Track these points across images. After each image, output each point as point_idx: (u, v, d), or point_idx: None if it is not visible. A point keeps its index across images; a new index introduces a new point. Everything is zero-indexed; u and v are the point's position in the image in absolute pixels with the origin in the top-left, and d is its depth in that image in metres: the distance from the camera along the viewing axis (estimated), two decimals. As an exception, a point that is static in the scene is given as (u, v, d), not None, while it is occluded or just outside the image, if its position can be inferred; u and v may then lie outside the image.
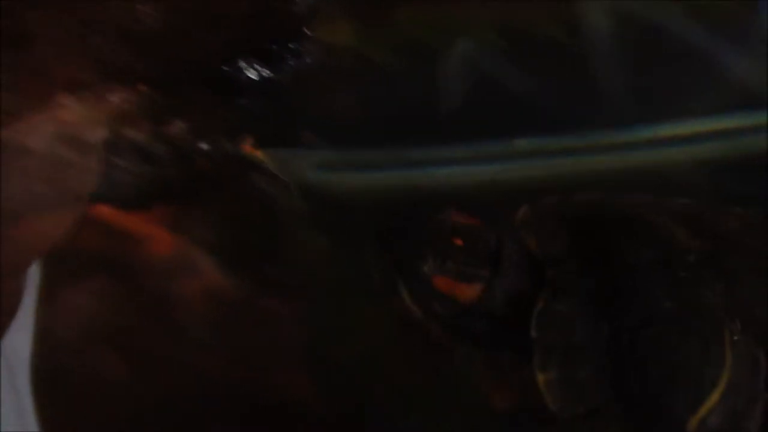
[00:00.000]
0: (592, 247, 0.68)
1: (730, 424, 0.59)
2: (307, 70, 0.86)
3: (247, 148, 0.80)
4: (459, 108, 0.87)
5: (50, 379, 0.69)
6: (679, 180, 0.82)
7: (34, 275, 0.71)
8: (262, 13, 0.84)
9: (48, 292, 0.71)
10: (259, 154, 0.81)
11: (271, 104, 0.85)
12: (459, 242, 0.68)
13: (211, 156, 0.79)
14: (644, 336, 0.61)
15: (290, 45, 0.85)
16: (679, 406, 0.59)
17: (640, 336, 0.62)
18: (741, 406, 0.60)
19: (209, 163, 0.79)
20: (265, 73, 0.84)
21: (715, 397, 0.59)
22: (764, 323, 0.62)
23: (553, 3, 0.91)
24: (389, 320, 0.73)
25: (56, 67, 0.76)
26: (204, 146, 0.79)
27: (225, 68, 0.83)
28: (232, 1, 0.83)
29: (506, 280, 0.68)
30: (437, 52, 0.88)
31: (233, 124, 0.81)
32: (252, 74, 0.84)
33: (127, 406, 0.68)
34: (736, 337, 0.61)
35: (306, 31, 0.86)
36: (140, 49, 0.78)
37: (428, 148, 0.84)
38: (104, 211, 0.75)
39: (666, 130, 0.85)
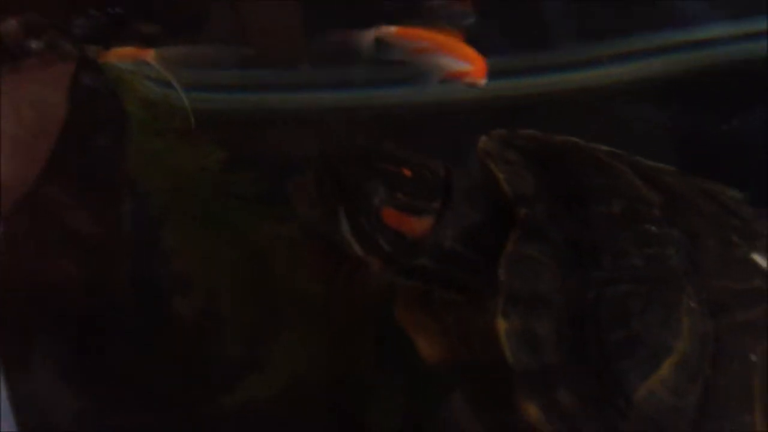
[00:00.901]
0: (560, 191, 0.63)
1: (674, 398, 0.55)
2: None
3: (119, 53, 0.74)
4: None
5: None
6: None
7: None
8: None
9: None
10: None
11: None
12: (408, 173, 0.64)
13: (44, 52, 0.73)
14: (610, 295, 0.57)
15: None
16: (632, 373, 0.55)
17: (606, 294, 0.57)
18: (686, 380, 0.55)
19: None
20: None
21: (666, 367, 0.55)
22: (718, 294, 0.59)
23: None
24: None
25: None
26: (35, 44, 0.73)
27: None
28: None
29: (457, 214, 0.64)
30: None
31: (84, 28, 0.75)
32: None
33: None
34: (692, 305, 0.57)
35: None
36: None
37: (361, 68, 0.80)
38: None
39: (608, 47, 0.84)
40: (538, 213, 0.61)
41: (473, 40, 0.72)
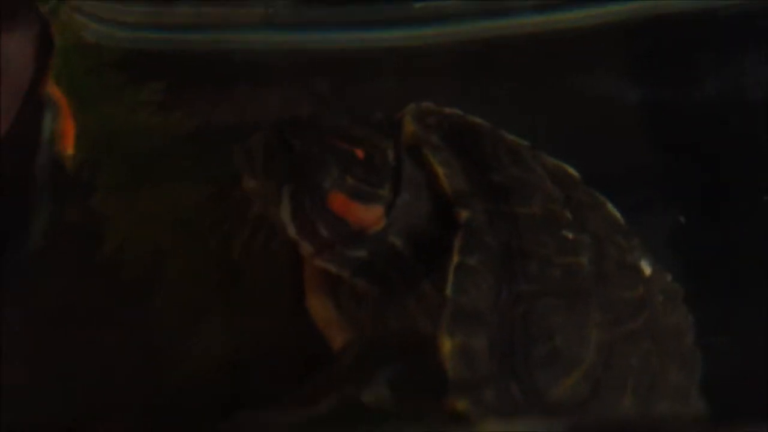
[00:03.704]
0: (486, 184, 0.64)
1: (573, 396, 0.61)
2: None
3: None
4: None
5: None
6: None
7: None
8: None
9: None
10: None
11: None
12: (360, 155, 0.61)
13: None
14: (537, 310, 0.60)
15: None
16: (549, 381, 0.60)
17: (534, 309, 0.60)
18: (585, 382, 0.61)
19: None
20: None
21: (575, 376, 0.61)
22: (614, 305, 0.64)
23: None
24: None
25: None
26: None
27: None
28: None
29: (403, 207, 0.62)
30: None
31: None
32: None
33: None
34: (598, 318, 0.62)
35: None
36: None
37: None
38: None
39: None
40: (478, 215, 0.61)
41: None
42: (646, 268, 0.69)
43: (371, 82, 0.77)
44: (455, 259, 0.60)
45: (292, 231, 0.62)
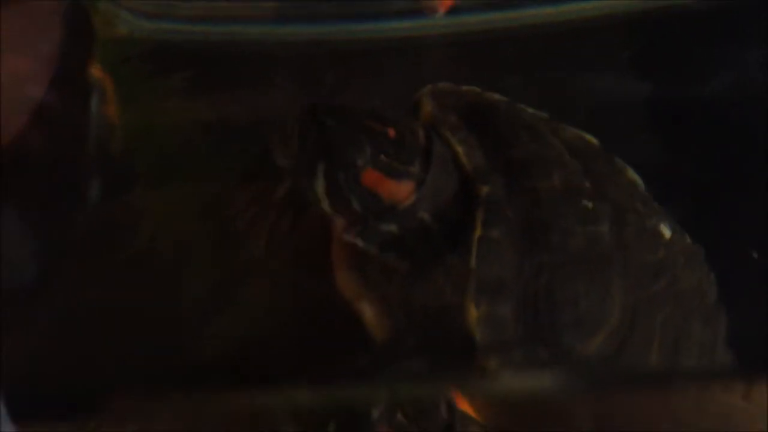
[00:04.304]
0: (505, 160, 0.66)
1: (601, 353, 0.64)
2: None
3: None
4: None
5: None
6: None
7: None
8: None
9: None
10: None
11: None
12: (392, 134, 0.64)
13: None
14: (558, 277, 0.63)
15: None
16: (575, 342, 0.63)
17: (556, 277, 0.63)
18: (611, 341, 0.64)
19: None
20: None
21: (601, 335, 0.64)
22: (636, 269, 0.66)
23: None
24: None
25: None
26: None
27: None
28: None
29: (433, 183, 0.65)
30: None
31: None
32: None
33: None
34: (620, 282, 0.65)
35: None
36: None
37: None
38: None
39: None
40: (498, 189, 0.64)
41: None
42: (666, 232, 0.71)
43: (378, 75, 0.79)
44: (478, 232, 0.63)
45: (326, 205, 0.65)
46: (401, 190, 0.64)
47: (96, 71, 0.71)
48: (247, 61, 0.78)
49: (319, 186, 0.64)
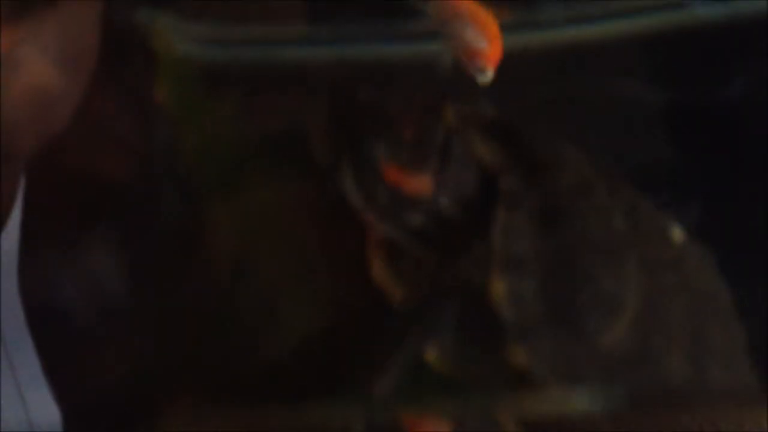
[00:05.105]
0: (523, 159, 0.70)
1: (624, 344, 0.67)
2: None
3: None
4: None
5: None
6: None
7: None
8: None
9: None
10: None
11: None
12: (411, 129, 0.68)
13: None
14: (577, 260, 0.67)
15: None
16: (598, 326, 0.67)
17: (575, 259, 0.67)
18: (631, 330, 0.67)
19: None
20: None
21: (623, 321, 0.67)
22: (648, 262, 0.69)
23: None
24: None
25: None
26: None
27: None
28: None
29: (453, 176, 0.69)
30: None
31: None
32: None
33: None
34: (635, 271, 0.68)
35: None
36: None
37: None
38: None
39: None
40: (517, 180, 0.69)
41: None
42: (678, 234, 0.74)
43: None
44: (501, 216, 0.68)
45: (357, 201, 0.69)
46: (421, 184, 0.68)
47: (160, 91, 0.75)
48: (288, 80, 0.81)
49: (349, 181, 0.68)
